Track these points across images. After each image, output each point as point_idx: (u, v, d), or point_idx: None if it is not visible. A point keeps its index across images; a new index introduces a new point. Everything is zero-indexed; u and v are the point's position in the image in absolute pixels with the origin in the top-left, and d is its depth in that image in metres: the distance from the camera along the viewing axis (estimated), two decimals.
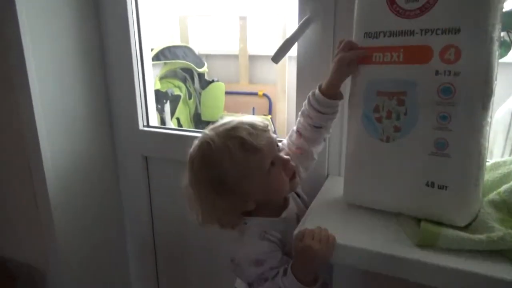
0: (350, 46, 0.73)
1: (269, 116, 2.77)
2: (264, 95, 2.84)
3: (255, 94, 2.86)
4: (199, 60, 2.70)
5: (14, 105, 1.10)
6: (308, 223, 0.72)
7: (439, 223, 0.67)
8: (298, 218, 0.79)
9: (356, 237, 0.68)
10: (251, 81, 2.94)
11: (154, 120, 1.29)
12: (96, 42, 1.19)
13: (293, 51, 0.93)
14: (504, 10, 0.63)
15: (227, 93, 2.74)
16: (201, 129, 0.80)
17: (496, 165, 0.76)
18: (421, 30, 0.65)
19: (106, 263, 1.33)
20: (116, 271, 1.38)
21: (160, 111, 2.39)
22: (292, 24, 2.50)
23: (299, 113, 0.83)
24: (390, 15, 0.67)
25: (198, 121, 2.74)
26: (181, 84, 2.62)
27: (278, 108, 2.79)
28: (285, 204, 0.81)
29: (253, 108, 2.84)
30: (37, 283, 1.32)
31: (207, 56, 2.98)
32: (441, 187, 0.67)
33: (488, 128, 0.65)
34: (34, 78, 1.04)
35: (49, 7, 1.06)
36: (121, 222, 1.37)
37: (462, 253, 0.61)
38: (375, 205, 0.76)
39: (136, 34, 1.18)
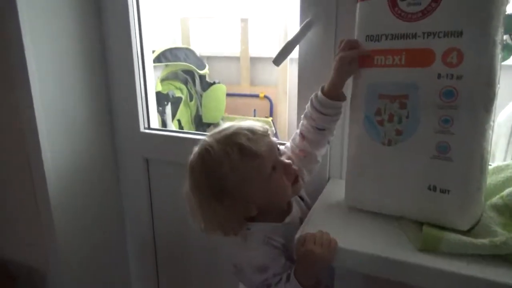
0: (350, 45, 0.73)
1: (270, 118, 2.77)
2: (266, 97, 2.84)
3: (257, 96, 2.86)
4: (200, 62, 2.70)
5: (14, 105, 1.10)
6: (309, 226, 0.72)
7: (441, 227, 0.67)
8: (301, 222, 0.78)
9: (358, 241, 0.68)
10: (252, 83, 2.94)
11: (155, 122, 1.29)
12: (97, 43, 1.19)
13: (295, 53, 0.93)
14: (507, 13, 0.63)
15: (228, 95, 2.74)
16: (202, 131, 0.80)
17: (499, 169, 0.75)
18: (423, 33, 0.64)
19: (106, 264, 1.32)
20: (116, 271, 1.38)
21: (161, 113, 2.39)
22: (293, 26, 2.50)
23: (302, 115, 0.82)
24: (392, 18, 0.67)
25: (199, 123, 2.73)
26: (182, 86, 2.62)
27: (279, 110, 2.79)
28: (288, 208, 0.81)
29: (254, 110, 2.84)
30: (37, 283, 1.32)
31: (209, 58, 2.98)
32: (443, 191, 0.67)
33: (490, 131, 0.65)
34: (35, 78, 1.04)
35: (49, 7, 1.06)
36: (121, 223, 1.37)
37: (464, 257, 0.61)
38: (377, 209, 0.75)
39: (137, 36, 1.18)
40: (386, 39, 0.68)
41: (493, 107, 0.64)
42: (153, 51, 2.33)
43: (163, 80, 2.51)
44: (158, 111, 2.30)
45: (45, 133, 1.09)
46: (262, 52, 2.82)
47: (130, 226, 1.38)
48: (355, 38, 0.73)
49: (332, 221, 0.75)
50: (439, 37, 0.63)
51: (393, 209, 0.73)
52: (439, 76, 0.64)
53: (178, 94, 2.56)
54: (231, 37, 2.89)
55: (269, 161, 0.72)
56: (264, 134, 0.73)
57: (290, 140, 0.85)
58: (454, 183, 0.66)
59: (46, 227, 1.17)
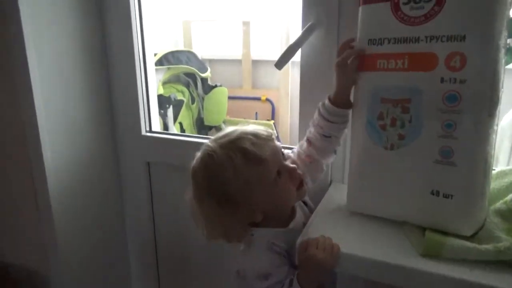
0: (343, 48, 0.73)
1: (272, 121, 2.77)
2: (267, 100, 2.84)
3: (258, 99, 2.86)
4: (202, 65, 2.70)
5: (16, 106, 1.10)
6: (311, 231, 0.72)
7: (445, 232, 0.66)
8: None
9: (360, 246, 0.67)
10: (254, 86, 2.94)
11: (156, 125, 1.29)
12: (98, 45, 1.19)
13: (297, 56, 0.92)
14: (510, 17, 0.63)
15: (230, 98, 2.74)
16: (204, 134, 0.80)
17: (502, 173, 0.75)
18: (426, 37, 0.64)
19: (106, 264, 1.32)
20: (116, 272, 1.38)
21: (163, 116, 2.39)
22: (295, 29, 2.50)
23: (310, 122, 0.82)
24: (394, 22, 0.67)
25: (201, 126, 2.73)
26: (184, 89, 2.62)
27: (281, 113, 2.79)
28: (292, 213, 0.80)
29: (256, 113, 2.84)
30: (37, 284, 1.32)
31: (210, 61, 2.99)
32: (446, 196, 0.66)
33: (494, 136, 0.64)
34: (37, 80, 1.04)
35: (51, 8, 1.06)
36: (122, 224, 1.37)
37: (467, 263, 0.61)
38: (379, 214, 0.75)
39: (139, 38, 1.17)
40: (389, 43, 0.68)
41: (497, 111, 0.64)
42: (155, 54, 2.34)
43: (165, 83, 2.52)
44: (160, 114, 2.30)
45: (46, 135, 1.09)
46: (264, 55, 2.82)
47: (130, 227, 1.37)
48: (357, 41, 0.73)
49: (334, 225, 0.75)
50: (442, 41, 0.63)
51: (396, 214, 0.73)
52: (442, 80, 0.63)
53: (180, 97, 2.57)
54: (233, 40, 2.89)
55: (274, 165, 0.71)
56: (268, 139, 0.72)
57: (297, 146, 0.85)
58: (458, 188, 0.65)
59: (47, 228, 1.16)
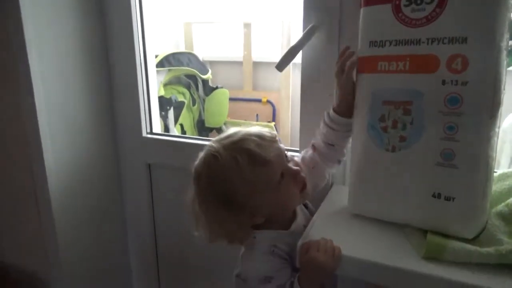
0: (341, 57, 0.75)
1: (273, 123, 2.77)
2: (268, 101, 2.84)
3: (259, 100, 2.86)
4: (203, 66, 2.70)
5: (16, 107, 1.10)
6: (313, 233, 0.71)
7: (446, 235, 0.66)
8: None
9: (361, 248, 0.67)
10: (255, 88, 2.94)
11: (157, 126, 1.28)
12: (99, 46, 1.19)
13: (298, 58, 0.92)
14: None
15: (231, 99, 2.74)
16: (205, 135, 0.80)
17: (504, 176, 0.75)
18: (428, 39, 0.64)
19: (107, 265, 1.32)
20: (117, 272, 1.37)
21: (164, 117, 2.39)
22: (296, 31, 2.50)
23: (317, 130, 0.83)
24: (396, 24, 0.67)
25: (202, 128, 2.73)
26: (185, 91, 2.63)
27: (282, 115, 2.78)
28: (293, 216, 0.80)
29: (257, 115, 2.84)
30: (38, 285, 1.32)
31: (211, 63, 2.99)
32: (447, 199, 0.66)
33: (496, 138, 0.64)
34: (38, 81, 1.04)
35: (52, 8, 1.06)
36: (122, 225, 1.37)
37: (469, 266, 0.60)
38: (380, 216, 0.75)
39: (140, 40, 1.18)
40: (390, 45, 0.68)
41: (498, 114, 0.63)
42: (156, 56, 2.34)
43: (166, 84, 2.52)
44: (161, 115, 2.30)
45: (47, 136, 1.09)
46: (265, 57, 2.82)
47: (131, 228, 1.37)
48: (359, 43, 0.73)
49: (335, 228, 0.74)
50: (443, 43, 0.63)
51: (397, 217, 0.72)
52: (443, 82, 0.63)
53: (180, 98, 2.57)
54: (234, 42, 2.89)
55: (278, 167, 0.71)
56: (273, 140, 0.72)
57: (303, 152, 0.85)
58: (459, 191, 0.65)
59: (47, 229, 1.17)
